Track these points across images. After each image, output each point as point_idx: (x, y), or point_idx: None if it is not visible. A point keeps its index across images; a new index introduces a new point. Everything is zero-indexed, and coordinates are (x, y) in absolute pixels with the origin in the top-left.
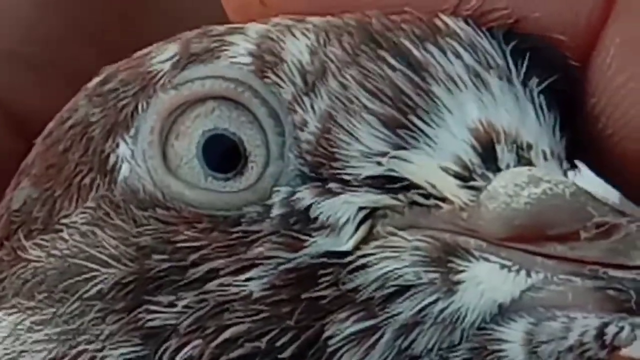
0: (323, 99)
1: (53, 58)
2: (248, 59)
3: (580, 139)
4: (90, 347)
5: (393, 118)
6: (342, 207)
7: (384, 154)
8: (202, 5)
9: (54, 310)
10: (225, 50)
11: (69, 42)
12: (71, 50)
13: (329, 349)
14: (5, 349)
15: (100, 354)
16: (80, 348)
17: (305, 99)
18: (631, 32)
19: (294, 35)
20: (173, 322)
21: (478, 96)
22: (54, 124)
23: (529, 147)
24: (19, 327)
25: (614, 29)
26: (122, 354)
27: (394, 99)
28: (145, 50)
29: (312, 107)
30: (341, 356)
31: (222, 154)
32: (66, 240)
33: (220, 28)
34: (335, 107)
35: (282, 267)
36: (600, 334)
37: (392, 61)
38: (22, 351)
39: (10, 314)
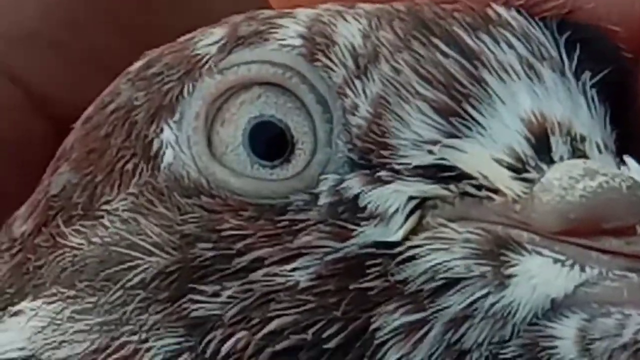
0: (375, 82)
1: (74, 39)
2: (298, 41)
3: (631, 132)
4: (134, 338)
5: (446, 105)
6: (392, 196)
7: (435, 142)
8: None
9: (95, 299)
10: (275, 32)
11: (90, 23)
12: (92, 31)
13: (376, 341)
14: (44, 338)
15: (144, 345)
16: (123, 339)
17: (357, 82)
18: None
19: (345, 20)
20: (218, 312)
21: (531, 87)
22: (94, 108)
23: (583, 139)
24: (59, 316)
25: None
26: (166, 345)
27: (447, 86)
28: (189, 35)
29: (364, 91)
30: (388, 349)
31: (269, 141)
32: (107, 227)
33: (270, 12)
34: (387, 91)
35: (329, 257)
36: None
37: (445, 48)
38: (63, 341)
39: (49, 303)
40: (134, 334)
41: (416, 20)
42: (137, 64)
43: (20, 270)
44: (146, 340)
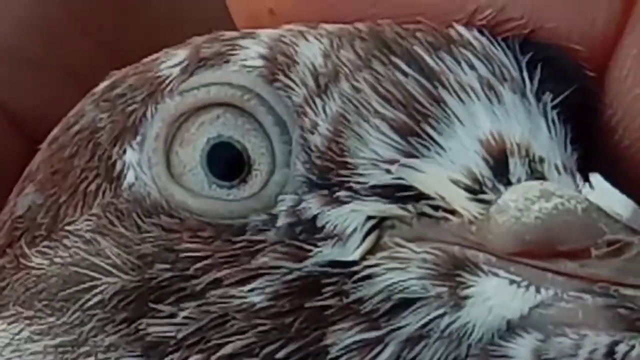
0: (335, 101)
1: (53, 54)
2: (259, 62)
3: (596, 150)
4: (91, 359)
5: (404, 125)
6: (350, 215)
7: (393, 162)
8: (203, 1)
9: (53, 319)
10: (236, 53)
11: (69, 38)
12: (71, 46)
13: (329, 357)
14: (4, 359)
15: None
16: None
17: (317, 100)
18: None
19: (307, 40)
20: (174, 333)
21: (490, 108)
22: (60, 129)
23: (541, 160)
24: (17, 337)
25: (631, 40)
26: None
27: (406, 106)
28: (154, 56)
29: (324, 110)
30: None
31: (227, 162)
32: (69, 248)
33: (232, 33)
34: (347, 109)
35: (286, 277)
36: (611, 352)
37: (405, 67)
38: None
39: (9, 323)
40: (90, 355)
41: (377, 40)
42: (102, 85)
43: None
44: None
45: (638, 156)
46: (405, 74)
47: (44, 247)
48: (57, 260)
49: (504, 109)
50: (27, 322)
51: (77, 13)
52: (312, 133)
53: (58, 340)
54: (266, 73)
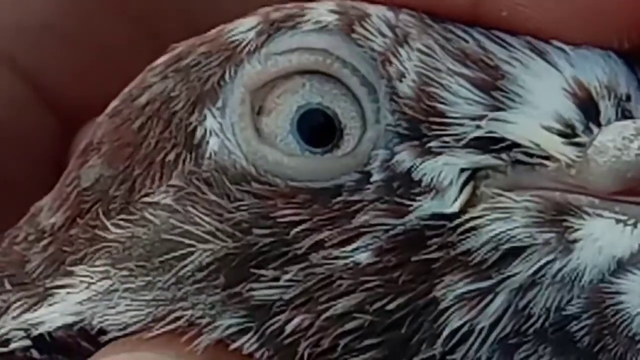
0: (415, 54)
1: (87, 32)
2: (333, 17)
3: None
4: (189, 312)
5: (483, 81)
6: (444, 168)
7: (482, 116)
8: None
9: (149, 278)
10: (307, 13)
11: (101, 15)
12: (105, 24)
13: (440, 307)
14: (95, 307)
15: (201, 321)
16: (179, 313)
17: (400, 49)
18: None
19: (370, 2)
20: (280, 295)
21: (566, 54)
22: (121, 102)
23: (628, 98)
24: (111, 288)
25: None
26: (227, 324)
27: (479, 63)
28: (217, 28)
29: (409, 57)
30: (451, 314)
31: (318, 128)
32: (151, 219)
33: (294, 3)
34: (426, 66)
35: (389, 233)
36: None
37: (463, 34)
38: (118, 312)
39: (100, 279)
40: (189, 309)
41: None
42: (163, 58)
43: (55, 262)
44: (203, 317)
45: None
46: (466, 39)
47: (121, 219)
48: (140, 231)
49: (581, 54)
50: (123, 279)
51: None
52: (400, 81)
53: (156, 294)
54: (342, 25)
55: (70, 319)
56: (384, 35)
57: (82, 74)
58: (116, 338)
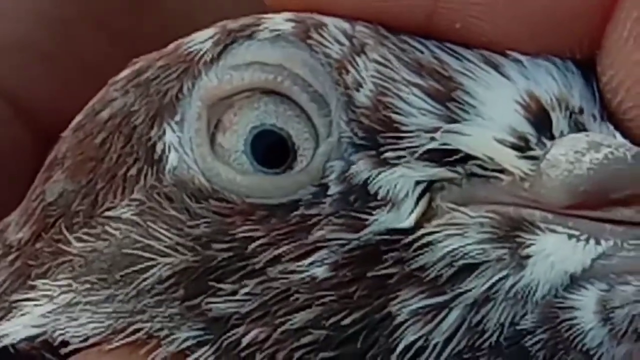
0: (372, 64)
1: (66, 48)
2: (288, 25)
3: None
4: (148, 325)
5: (438, 91)
6: (400, 180)
7: (436, 128)
8: None
9: (110, 291)
10: (263, 23)
11: (81, 31)
12: (84, 40)
13: (395, 322)
14: (56, 320)
15: (160, 333)
16: (138, 325)
17: (357, 58)
18: None
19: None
20: (237, 309)
21: (520, 67)
22: (85, 116)
23: (581, 110)
24: (72, 302)
25: (631, 2)
26: (185, 337)
27: (434, 74)
28: (176, 42)
29: (366, 67)
30: (406, 329)
31: (271, 146)
32: (115, 232)
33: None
34: (382, 76)
35: (345, 248)
36: None
37: (419, 45)
38: (78, 324)
39: (61, 293)
40: (148, 321)
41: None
42: (125, 72)
43: (21, 276)
44: (162, 329)
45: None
46: (422, 50)
47: (83, 233)
48: (101, 244)
49: (535, 65)
50: (84, 293)
51: (90, 7)
52: (358, 90)
53: (116, 306)
54: (298, 32)
55: (33, 331)
56: (340, 44)
57: (61, 92)
58: (78, 350)
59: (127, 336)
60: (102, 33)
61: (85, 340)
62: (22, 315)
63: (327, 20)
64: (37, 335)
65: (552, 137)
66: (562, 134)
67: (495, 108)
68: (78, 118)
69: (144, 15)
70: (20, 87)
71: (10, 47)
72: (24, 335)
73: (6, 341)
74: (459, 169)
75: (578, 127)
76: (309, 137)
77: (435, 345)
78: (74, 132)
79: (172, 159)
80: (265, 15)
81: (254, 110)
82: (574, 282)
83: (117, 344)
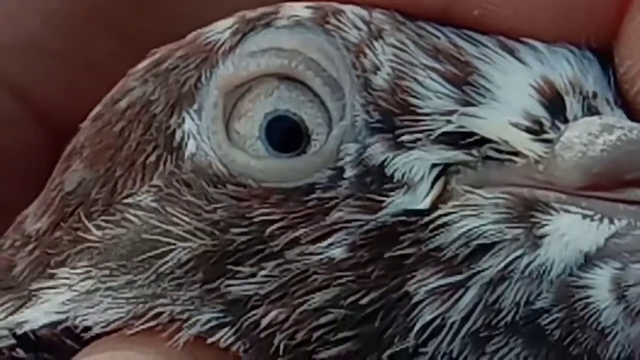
0: (389, 48)
1: (75, 48)
2: (307, 11)
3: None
4: (169, 308)
5: (455, 76)
6: (416, 163)
7: (452, 112)
8: None
9: (130, 277)
10: (282, 10)
11: (89, 30)
12: (93, 40)
13: (412, 301)
14: (77, 307)
15: (181, 316)
16: (158, 309)
17: (375, 42)
18: None
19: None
20: (256, 291)
21: (536, 54)
22: (103, 106)
23: (595, 95)
24: (93, 288)
25: None
26: (205, 319)
27: (451, 58)
28: (195, 32)
29: (384, 51)
30: (423, 309)
31: (285, 131)
32: (135, 218)
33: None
34: (399, 60)
35: (362, 229)
36: None
37: (435, 30)
38: (99, 310)
39: (82, 280)
40: (169, 305)
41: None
42: (144, 63)
43: (40, 265)
44: (182, 312)
45: None
46: (438, 36)
47: (102, 220)
48: (121, 231)
49: (551, 51)
50: (104, 279)
51: (99, 7)
52: (375, 73)
53: (136, 292)
54: (316, 18)
55: (53, 318)
56: (358, 29)
57: (71, 91)
58: (99, 335)
59: (148, 321)
60: (110, 35)
61: (107, 326)
62: (43, 302)
63: (345, 7)
64: (58, 322)
65: (566, 121)
66: (575, 118)
67: (510, 92)
68: (97, 108)
69: (152, 18)
70: (31, 85)
71: (21, 46)
72: (45, 322)
73: (26, 328)
74: (474, 152)
75: (591, 111)
76: (322, 121)
77: (452, 324)
78: (93, 122)
79: (191, 146)
80: (285, 4)
81: (269, 96)
82: (588, 261)
83: (138, 329)
